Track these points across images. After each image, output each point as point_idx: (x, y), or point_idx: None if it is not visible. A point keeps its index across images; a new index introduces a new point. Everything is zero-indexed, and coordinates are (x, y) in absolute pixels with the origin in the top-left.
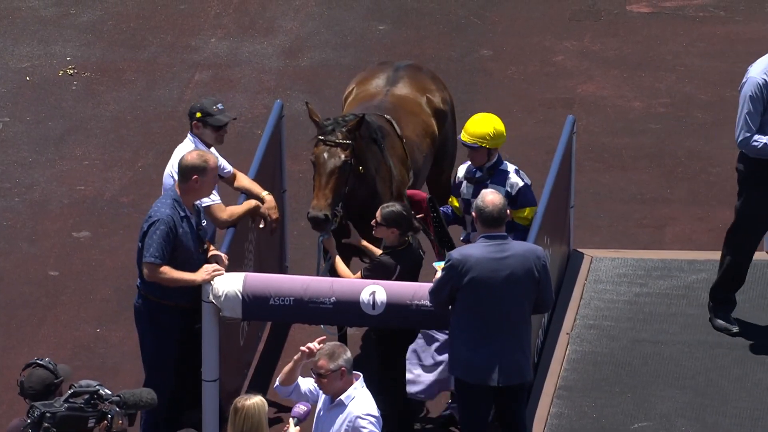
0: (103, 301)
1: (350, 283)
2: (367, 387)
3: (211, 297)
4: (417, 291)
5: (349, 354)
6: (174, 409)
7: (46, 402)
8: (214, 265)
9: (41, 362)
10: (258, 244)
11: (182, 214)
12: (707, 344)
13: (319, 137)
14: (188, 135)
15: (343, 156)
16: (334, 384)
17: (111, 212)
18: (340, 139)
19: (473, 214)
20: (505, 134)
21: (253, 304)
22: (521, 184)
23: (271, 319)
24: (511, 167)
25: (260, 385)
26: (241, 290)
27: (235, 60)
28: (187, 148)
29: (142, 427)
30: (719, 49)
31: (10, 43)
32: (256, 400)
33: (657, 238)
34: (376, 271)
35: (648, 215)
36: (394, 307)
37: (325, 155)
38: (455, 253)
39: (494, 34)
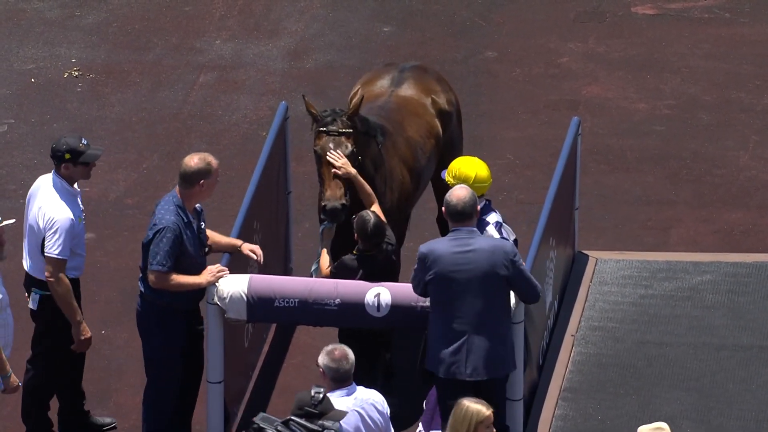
0: (108, 302)
1: (355, 284)
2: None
3: (215, 299)
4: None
5: (337, 362)
6: (179, 414)
7: None
8: (218, 266)
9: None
10: (263, 246)
11: (186, 219)
12: (712, 346)
13: (321, 129)
14: (52, 175)
15: (349, 145)
16: (321, 380)
17: (115, 214)
18: (342, 128)
19: (443, 210)
20: (490, 181)
21: (258, 305)
22: (497, 238)
23: (276, 321)
24: (493, 218)
25: (264, 388)
26: (246, 292)
27: (239, 62)
28: (45, 191)
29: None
30: (724, 51)
31: (15, 44)
32: (472, 406)
33: (662, 239)
34: (339, 270)
35: (653, 217)
36: (399, 309)
37: (332, 145)
38: (422, 247)
39: (499, 35)
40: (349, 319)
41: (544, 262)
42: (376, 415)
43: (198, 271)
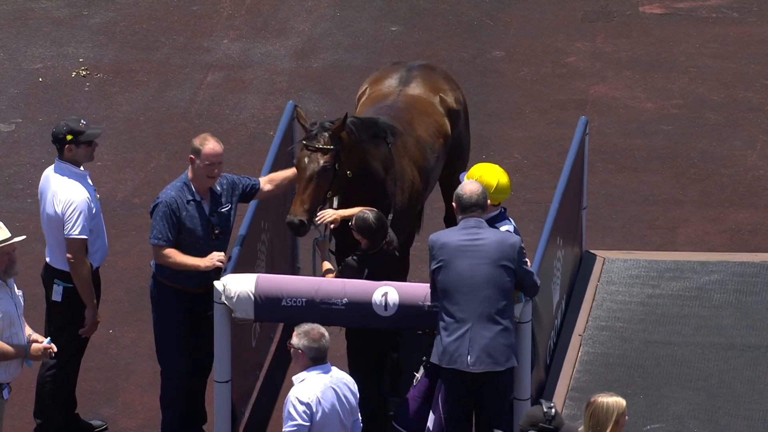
0: (115, 302)
1: (362, 284)
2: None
3: (223, 298)
4: (430, 292)
5: (317, 341)
6: (191, 400)
7: None
8: (221, 254)
9: None
10: (270, 245)
11: (189, 197)
12: (720, 346)
13: (302, 141)
14: (55, 164)
15: (322, 161)
16: (295, 361)
17: (123, 213)
18: (321, 144)
19: (454, 205)
20: (508, 191)
21: (266, 305)
22: (503, 231)
23: (284, 320)
24: (506, 228)
25: (271, 387)
26: (254, 291)
27: (247, 61)
28: (56, 179)
29: (161, 412)
30: (732, 50)
31: (22, 44)
32: (609, 400)
33: (669, 239)
34: (344, 272)
35: (660, 216)
36: (407, 308)
37: (306, 160)
38: (432, 236)
39: (506, 35)
40: (356, 319)
41: (551, 262)
42: (349, 395)
43: (203, 254)
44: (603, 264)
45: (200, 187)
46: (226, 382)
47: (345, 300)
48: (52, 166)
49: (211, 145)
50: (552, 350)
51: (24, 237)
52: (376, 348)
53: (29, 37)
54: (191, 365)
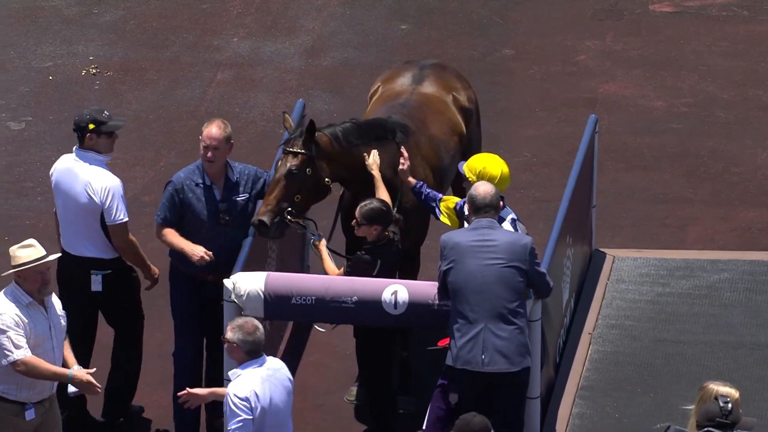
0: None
1: (372, 282)
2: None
3: (233, 296)
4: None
5: (251, 335)
6: (213, 368)
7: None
8: (209, 253)
9: None
10: (280, 244)
11: (199, 181)
12: (729, 344)
13: (282, 143)
14: (74, 152)
15: (289, 164)
16: (230, 355)
17: (133, 211)
18: (293, 149)
19: (467, 206)
20: (509, 179)
21: (275, 303)
22: (515, 232)
23: (293, 319)
24: (509, 216)
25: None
26: (263, 289)
27: (257, 59)
28: (81, 168)
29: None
30: (742, 49)
31: (32, 42)
32: (721, 388)
33: (679, 237)
34: (356, 267)
35: (670, 215)
36: (416, 307)
37: (279, 163)
38: (443, 236)
39: (516, 33)
40: (366, 317)
41: (561, 260)
42: (286, 383)
43: (209, 239)
44: (613, 262)
45: (208, 171)
46: None
47: (355, 298)
48: (68, 156)
49: (210, 128)
50: (561, 349)
51: (59, 255)
52: (385, 347)
53: (39, 35)
54: (206, 342)
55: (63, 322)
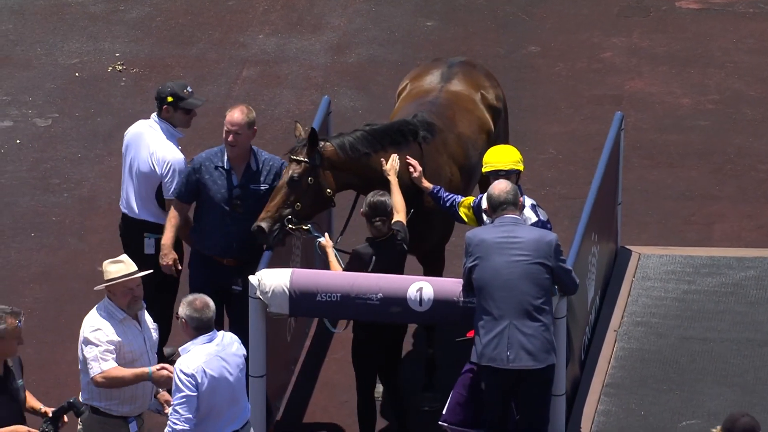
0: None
1: (397, 279)
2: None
3: (258, 293)
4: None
5: (199, 311)
6: None
7: None
8: (171, 265)
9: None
10: (305, 241)
11: (219, 164)
12: (756, 342)
13: (287, 152)
14: (153, 118)
15: (291, 171)
16: (182, 331)
17: None
18: (297, 156)
19: (485, 206)
20: (522, 160)
21: (300, 300)
22: (534, 219)
23: (318, 315)
24: (528, 201)
25: (306, 382)
26: (288, 286)
27: (282, 56)
28: (152, 135)
29: None
30: None
31: (59, 39)
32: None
33: (705, 235)
34: (352, 261)
35: (696, 212)
36: (442, 304)
37: (284, 170)
38: (468, 233)
39: (542, 30)
40: (391, 314)
41: (586, 257)
42: (237, 359)
43: (221, 224)
44: (638, 260)
45: (230, 155)
46: (262, 376)
47: (380, 295)
48: (146, 121)
49: (233, 112)
50: (587, 346)
51: (151, 271)
52: (381, 342)
53: (66, 32)
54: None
55: (155, 335)
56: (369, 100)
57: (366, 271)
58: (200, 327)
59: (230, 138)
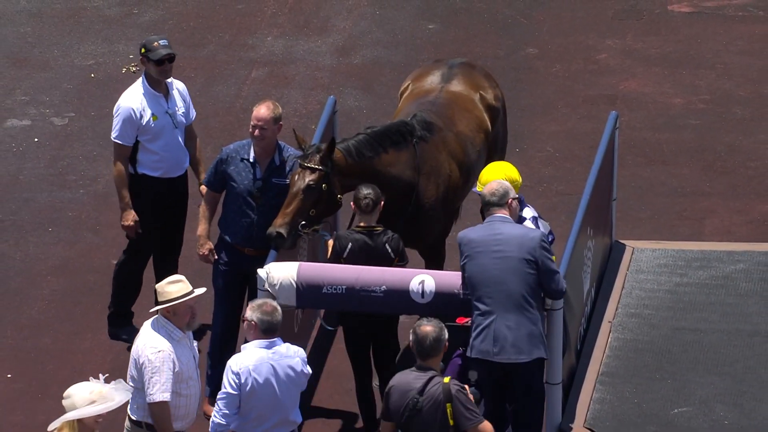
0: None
1: (400, 272)
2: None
3: (266, 285)
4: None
5: (269, 314)
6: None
7: None
8: (208, 254)
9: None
10: (312, 235)
11: (245, 156)
12: (745, 332)
13: (297, 159)
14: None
15: (308, 179)
16: (248, 332)
17: None
18: (310, 164)
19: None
20: (519, 181)
21: (307, 292)
22: (528, 227)
23: (324, 307)
24: (529, 213)
25: (313, 372)
26: (296, 279)
27: (290, 58)
28: (127, 90)
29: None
30: (758, 48)
31: (75, 41)
32: None
33: (697, 230)
34: (333, 247)
35: (688, 208)
36: (443, 296)
37: (296, 177)
38: (460, 233)
39: (540, 33)
40: (394, 306)
41: (582, 251)
42: (291, 372)
43: (243, 213)
44: (632, 253)
45: (255, 149)
46: None
47: (383, 287)
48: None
49: (259, 107)
50: (582, 336)
51: (204, 289)
52: (368, 328)
53: (82, 34)
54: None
55: (197, 352)
56: (373, 99)
57: (340, 259)
58: (269, 329)
59: (256, 132)
